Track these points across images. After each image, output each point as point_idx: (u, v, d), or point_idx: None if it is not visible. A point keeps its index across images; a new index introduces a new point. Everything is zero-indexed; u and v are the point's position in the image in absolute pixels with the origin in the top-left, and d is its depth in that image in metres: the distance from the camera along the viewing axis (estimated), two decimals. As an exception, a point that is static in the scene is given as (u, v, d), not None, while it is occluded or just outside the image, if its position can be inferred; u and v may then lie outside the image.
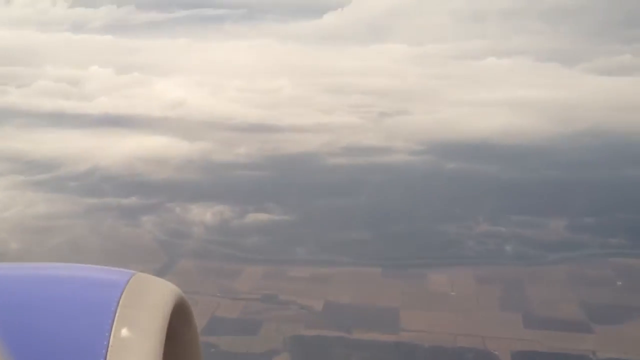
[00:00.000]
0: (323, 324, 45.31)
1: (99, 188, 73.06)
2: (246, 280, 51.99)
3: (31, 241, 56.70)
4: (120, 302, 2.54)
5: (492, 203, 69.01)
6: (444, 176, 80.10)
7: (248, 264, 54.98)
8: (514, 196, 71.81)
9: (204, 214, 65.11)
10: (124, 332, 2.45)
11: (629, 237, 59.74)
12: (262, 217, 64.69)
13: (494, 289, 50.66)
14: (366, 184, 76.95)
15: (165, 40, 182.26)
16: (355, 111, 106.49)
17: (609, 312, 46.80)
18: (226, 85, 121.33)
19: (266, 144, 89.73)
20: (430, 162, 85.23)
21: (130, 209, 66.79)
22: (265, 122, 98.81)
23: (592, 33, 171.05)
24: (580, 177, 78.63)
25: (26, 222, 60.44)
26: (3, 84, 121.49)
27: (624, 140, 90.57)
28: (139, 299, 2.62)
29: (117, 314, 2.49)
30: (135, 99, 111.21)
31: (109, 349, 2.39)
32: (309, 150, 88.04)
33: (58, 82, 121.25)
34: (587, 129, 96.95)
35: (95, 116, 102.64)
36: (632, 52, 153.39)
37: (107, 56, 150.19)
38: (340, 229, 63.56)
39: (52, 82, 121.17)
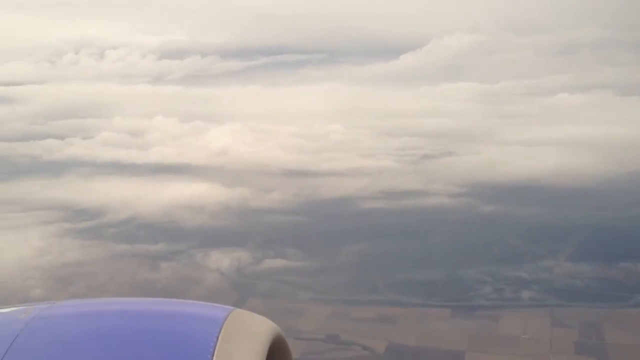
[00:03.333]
0: None
1: (133, 235, 75.96)
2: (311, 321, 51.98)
3: (53, 287, 59.61)
4: (220, 337, 2.68)
5: (542, 245, 66.77)
6: (481, 219, 77.98)
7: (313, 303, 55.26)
8: (570, 238, 68.96)
9: (222, 260, 66.22)
10: None
11: None
12: (279, 263, 65.05)
13: (570, 333, 48.70)
14: (399, 227, 76.22)
15: (237, 88, 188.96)
16: (398, 154, 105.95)
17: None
18: (278, 131, 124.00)
19: (302, 189, 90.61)
20: (469, 204, 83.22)
21: (155, 255, 68.94)
22: (305, 167, 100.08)
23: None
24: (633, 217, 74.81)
25: (55, 269, 63.59)
26: (71, 136, 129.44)
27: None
28: (238, 335, 2.74)
29: (216, 349, 2.61)
30: (187, 148, 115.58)
31: None
32: (344, 195, 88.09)
33: (120, 133, 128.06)
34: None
35: (147, 165, 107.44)
36: None
37: (174, 106, 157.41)
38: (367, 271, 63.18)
39: (115, 133, 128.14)
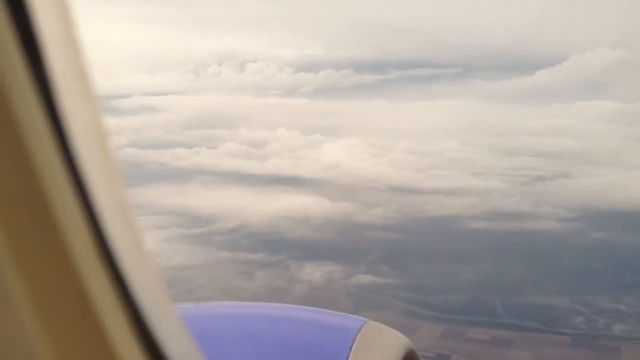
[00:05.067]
0: None
1: (237, 243, 80.00)
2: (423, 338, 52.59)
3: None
4: (353, 347, 2.64)
5: None
6: (590, 245, 74.59)
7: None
8: None
9: (313, 273, 68.18)
10: None
11: None
12: (367, 278, 66.00)
13: None
14: (502, 249, 74.72)
15: (364, 102, 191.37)
16: (510, 174, 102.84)
17: None
18: (394, 147, 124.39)
19: (405, 206, 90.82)
20: (578, 229, 79.67)
21: (253, 264, 72.25)
22: (411, 184, 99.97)
23: None
24: None
25: (159, 272, 68.45)
26: (198, 145, 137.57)
27: None
28: (371, 346, 2.71)
29: (349, 359, 2.61)
30: (302, 160, 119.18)
31: None
32: (448, 214, 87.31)
33: (243, 144, 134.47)
34: None
35: (263, 176, 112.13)
36: None
37: (299, 119, 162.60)
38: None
39: (237, 144, 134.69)
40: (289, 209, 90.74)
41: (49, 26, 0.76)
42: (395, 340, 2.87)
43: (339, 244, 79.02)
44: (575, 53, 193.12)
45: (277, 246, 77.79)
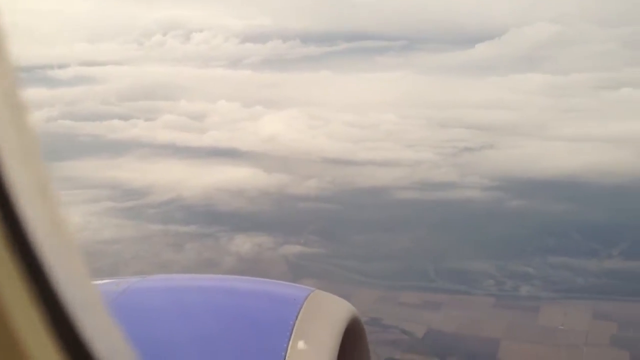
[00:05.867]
0: (420, 350, 46.92)
1: (170, 216, 79.99)
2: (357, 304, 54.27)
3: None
4: (299, 316, 2.74)
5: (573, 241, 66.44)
6: (507, 212, 77.58)
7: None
8: (605, 235, 68.05)
9: (243, 244, 68.92)
10: (301, 344, 2.63)
11: None
12: (296, 249, 67.17)
13: (608, 326, 49.45)
14: (430, 218, 76.85)
15: (309, 73, 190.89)
16: (441, 146, 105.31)
17: None
18: (332, 119, 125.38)
19: (340, 177, 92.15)
20: (499, 198, 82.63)
21: (184, 236, 72.50)
22: (345, 156, 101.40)
23: None
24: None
25: (85, 246, 68.11)
26: (135, 117, 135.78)
27: None
28: (317, 315, 2.82)
29: (295, 328, 2.68)
30: (240, 132, 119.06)
31: None
32: (381, 185, 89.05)
33: (181, 116, 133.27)
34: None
35: (201, 148, 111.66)
36: None
37: (241, 90, 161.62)
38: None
39: (176, 116, 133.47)
40: (225, 182, 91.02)
41: None
42: (341, 308, 3.03)
43: (273, 216, 79.88)
44: (514, 27, 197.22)
45: (210, 218, 78.13)
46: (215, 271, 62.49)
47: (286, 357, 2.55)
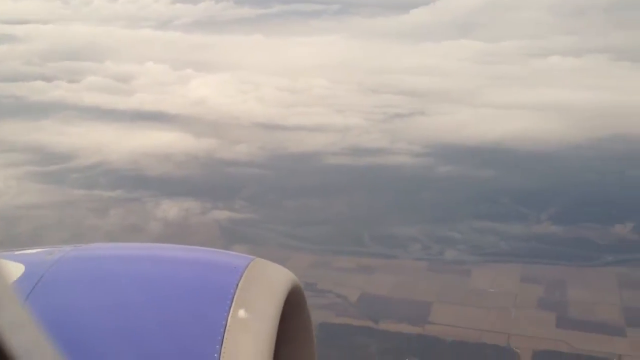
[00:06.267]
0: (354, 314, 47.55)
1: (95, 181, 77.94)
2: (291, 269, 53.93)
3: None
4: (240, 285, 2.73)
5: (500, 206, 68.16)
6: (436, 179, 79.06)
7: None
8: (530, 200, 70.33)
9: (170, 210, 67.99)
10: (242, 313, 2.64)
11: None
12: (223, 214, 66.78)
13: (536, 288, 51.48)
14: (360, 184, 77.48)
15: (241, 36, 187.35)
16: (372, 112, 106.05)
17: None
18: (265, 83, 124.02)
19: (270, 142, 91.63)
20: (428, 164, 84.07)
21: (108, 201, 70.91)
22: (275, 121, 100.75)
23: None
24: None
25: (4, 210, 65.81)
26: (59, 78, 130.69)
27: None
28: (257, 283, 2.81)
29: (235, 296, 2.67)
30: (169, 96, 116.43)
31: (227, 329, 2.57)
32: (311, 150, 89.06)
33: (107, 77, 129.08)
34: (614, 135, 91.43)
35: (127, 111, 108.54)
36: None
37: (171, 52, 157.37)
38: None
39: (102, 77, 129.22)
40: (152, 146, 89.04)
41: None
42: (282, 276, 3.04)
43: (201, 181, 78.90)
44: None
45: (137, 183, 76.60)
46: (141, 237, 61.62)
47: (227, 326, 2.54)
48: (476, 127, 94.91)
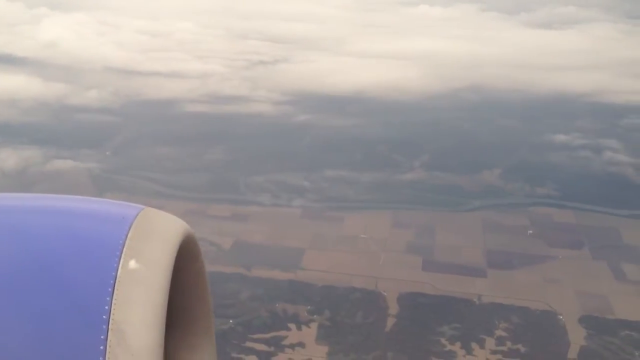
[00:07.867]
0: (227, 261, 47.11)
1: None
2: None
3: None
4: (129, 235, 2.57)
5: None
6: (294, 127, 79.19)
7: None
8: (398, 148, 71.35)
9: (8, 159, 64.27)
10: (132, 264, 2.47)
11: (556, 188, 62.51)
12: (66, 164, 63.92)
13: (406, 234, 53.09)
14: (220, 132, 76.21)
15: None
16: (234, 58, 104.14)
17: (508, 259, 49.37)
18: (124, 25, 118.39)
19: (124, 88, 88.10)
20: (287, 112, 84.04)
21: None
22: (131, 66, 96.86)
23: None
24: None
25: None
26: None
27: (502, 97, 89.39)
28: (148, 233, 2.64)
29: (125, 247, 2.51)
30: (18, 36, 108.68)
31: (117, 280, 2.41)
32: (168, 97, 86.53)
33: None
34: (468, 86, 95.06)
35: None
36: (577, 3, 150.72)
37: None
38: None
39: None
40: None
41: None
42: (173, 225, 2.82)
43: (48, 128, 74.83)
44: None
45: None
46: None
47: (117, 278, 2.43)
48: (339, 76, 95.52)
